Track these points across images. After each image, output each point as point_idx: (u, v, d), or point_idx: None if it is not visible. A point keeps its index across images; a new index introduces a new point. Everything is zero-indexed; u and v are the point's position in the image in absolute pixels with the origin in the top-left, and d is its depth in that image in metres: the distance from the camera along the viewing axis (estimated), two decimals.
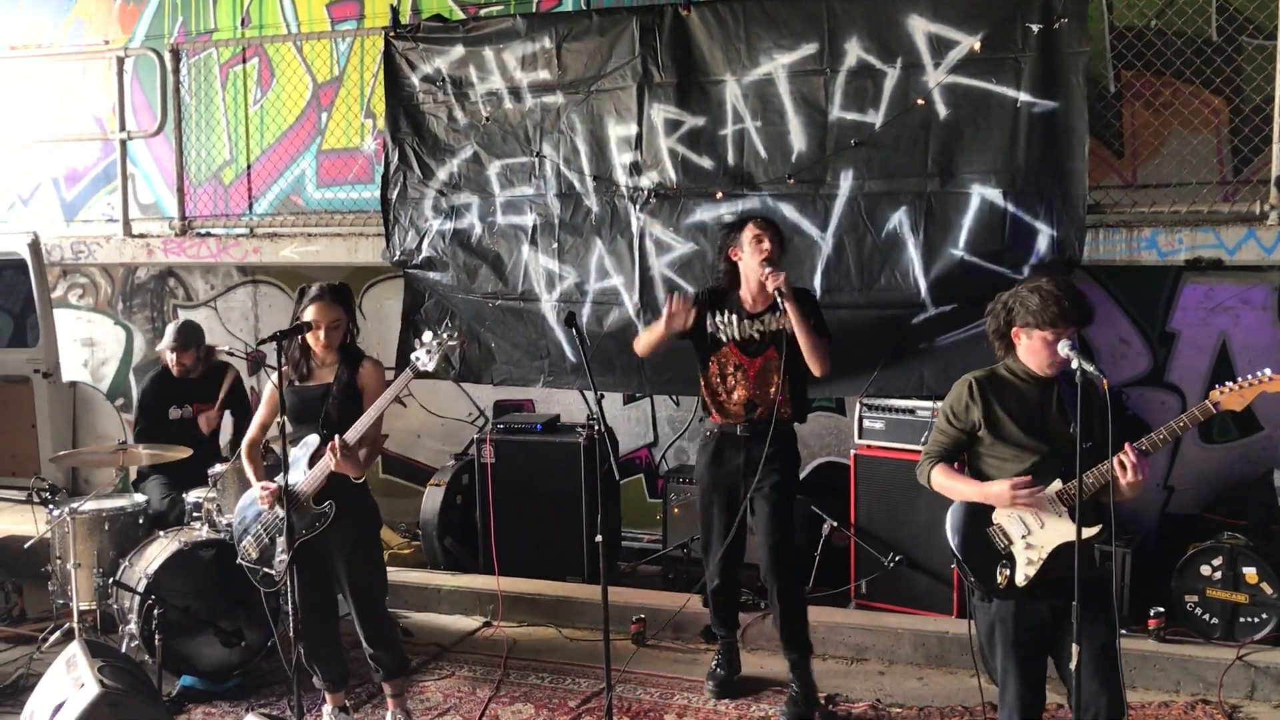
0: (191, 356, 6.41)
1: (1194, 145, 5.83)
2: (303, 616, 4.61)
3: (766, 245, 4.87)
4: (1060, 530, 3.62)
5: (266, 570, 4.73)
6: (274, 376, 4.48)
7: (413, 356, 4.49)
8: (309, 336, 4.63)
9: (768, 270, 4.79)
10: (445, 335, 4.48)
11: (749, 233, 4.91)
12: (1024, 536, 3.68)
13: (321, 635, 4.76)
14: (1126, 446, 3.50)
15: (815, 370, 4.90)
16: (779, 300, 4.75)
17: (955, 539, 3.84)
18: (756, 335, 4.95)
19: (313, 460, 4.57)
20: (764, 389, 4.93)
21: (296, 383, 4.71)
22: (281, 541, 4.57)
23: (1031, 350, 3.66)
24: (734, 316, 4.98)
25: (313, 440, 4.57)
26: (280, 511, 4.51)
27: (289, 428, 4.50)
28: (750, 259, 4.89)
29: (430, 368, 4.48)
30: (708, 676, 5.32)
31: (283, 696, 5.21)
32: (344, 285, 4.80)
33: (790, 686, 5.04)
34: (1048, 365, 3.64)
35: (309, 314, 4.61)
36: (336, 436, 4.44)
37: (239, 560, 4.84)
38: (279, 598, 4.87)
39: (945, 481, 3.83)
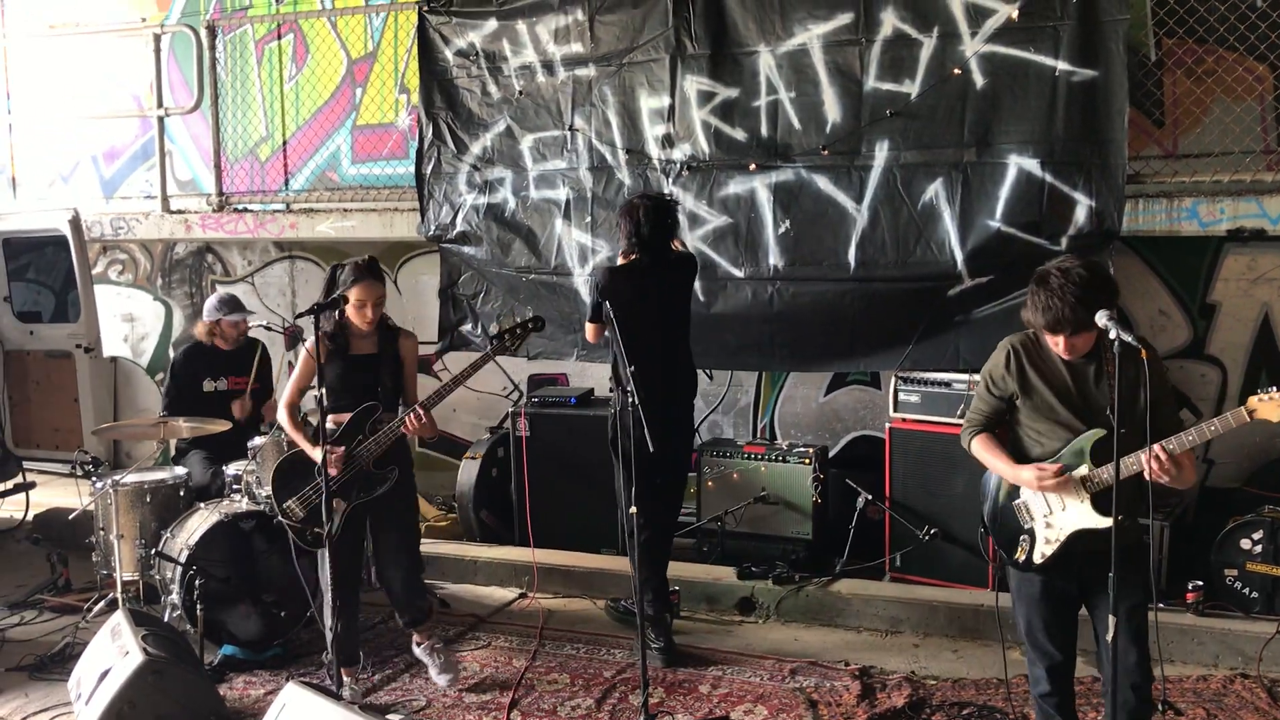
0: (244, 322, 6.49)
1: (1237, 114, 5.73)
2: (345, 589, 4.78)
3: None
4: (1078, 516, 3.56)
5: (317, 529, 4.77)
6: (309, 343, 4.65)
7: (492, 340, 4.86)
8: (353, 314, 4.74)
9: None
10: (508, 320, 4.77)
11: None
12: (1045, 516, 3.65)
13: (355, 607, 4.98)
14: (1157, 446, 3.37)
15: None
16: None
17: (985, 505, 3.87)
18: None
19: (372, 428, 4.75)
20: None
21: (336, 354, 4.80)
22: (335, 503, 4.73)
23: (1047, 341, 3.61)
24: None
25: (369, 408, 4.77)
26: (334, 474, 4.69)
27: (327, 397, 4.71)
28: None
29: (514, 350, 4.93)
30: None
31: (322, 666, 5.27)
32: (374, 259, 4.89)
33: None
34: (1065, 353, 3.55)
35: (354, 294, 4.71)
36: (417, 405, 4.69)
37: (283, 520, 4.88)
38: (317, 571, 4.98)
39: (983, 454, 3.80)
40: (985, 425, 3.81)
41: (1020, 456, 3.73)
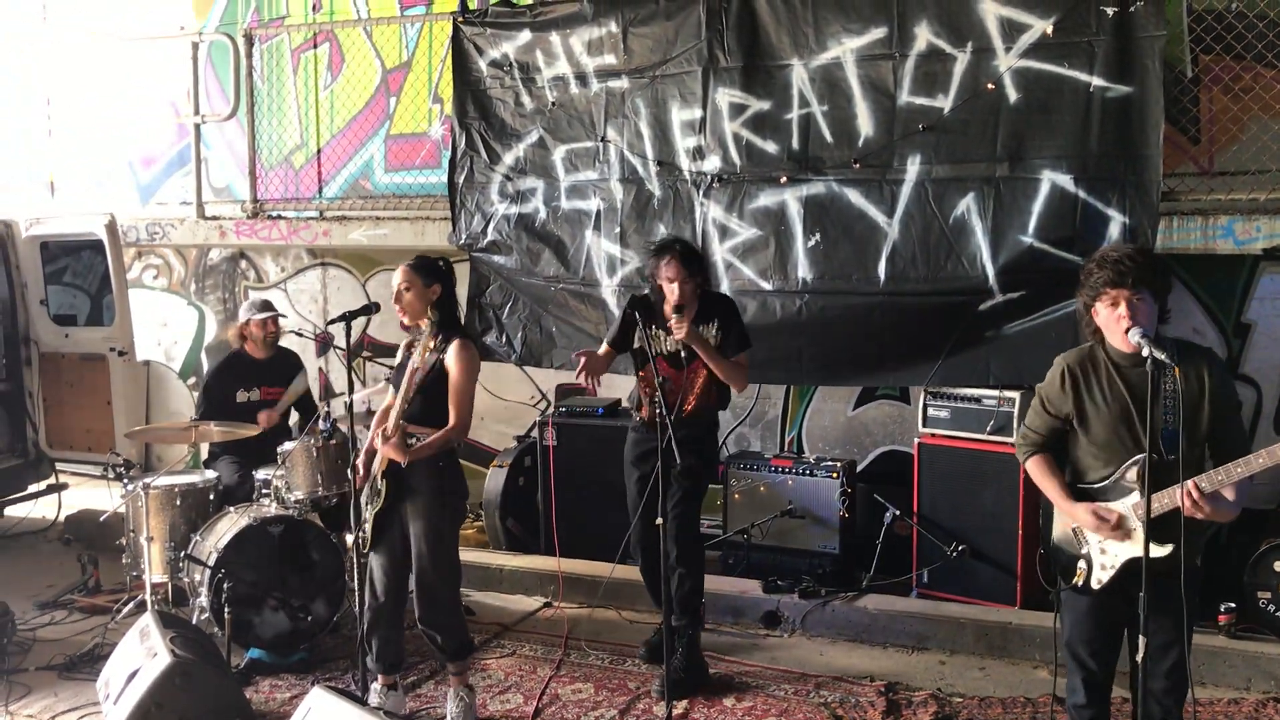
0: (275, 324, 6.53)
1: (1275, 131, 5.67)
2: (372, 591, 4.73)
3: (676, 292, 4.94)
4: (1132, 544, 3.52)
5: (362, 533, 4.82)
6: (416, 363, 4.54)
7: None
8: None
9: (673, 319, 4.89)
10: None
11: (663, 270, 5.00)
12: (1099, 542, 3.61)
13: (387, 614, 4.80)
14: (1191, 484, 3.34)
15: (735, 389, 5.22)
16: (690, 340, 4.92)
17: (1045, 527, 3.82)
18: (683, 350, 5.00)
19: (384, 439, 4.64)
20: (686, 397, 5.07)
21: (404, 355, 4.82)
22: (365, 510, 4.71)
23: (1104, 325, 3.51)
24: (662, 332, 5.06)
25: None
26: (376, 481, 4.67)
27: (394, 399, 4.70)
28: (665, 294, 5.01)
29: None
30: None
31: (347, 671, 5.30)
32: (435, 260, 4.79)
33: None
34: (1122, 334, 3.43)
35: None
36: (389, 424, 4.53)
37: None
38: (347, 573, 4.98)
39: (1039, 478, 3.75)
40: (1042, 444, 3.75)
41: (1077, 475, 3.70)
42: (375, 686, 4.90)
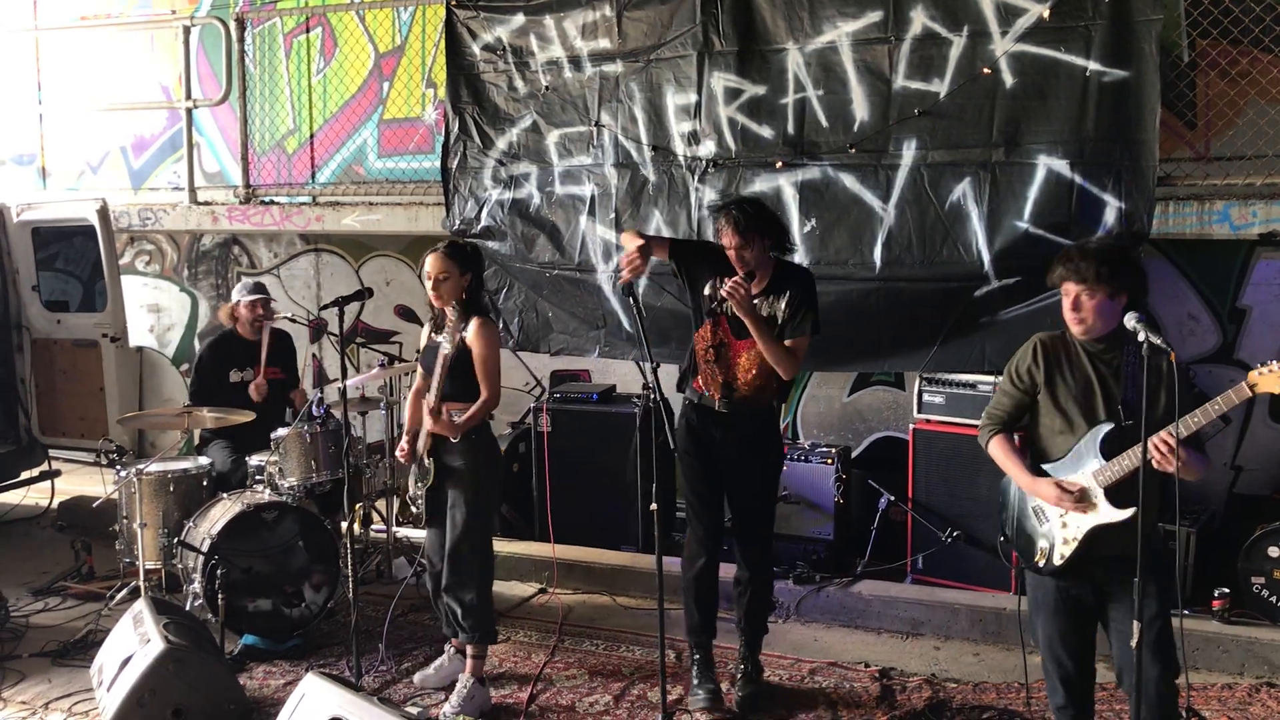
0: (265, 307, 6.53)
1: (1271, 115, 5.65)
2: (431, 562, 4.95)
3: (733, 251, 4.47)
4: (1094, 512, 3.56)
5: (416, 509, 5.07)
6: (445, 345, 4.57)
7: None
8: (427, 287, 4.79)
9: (726, 284, 4.40)
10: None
11: (720, 236, 4.56)
12: (1061, 515, 3.64)
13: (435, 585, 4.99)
14: (1161, 433, 3.37)
15: (783, 375, 4.66)
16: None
17: (1002, 511, 3.87)
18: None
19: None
20: (744, 373, 4.68)
21: (433, 336, 4.87)
22: (415, 489, 4.94)
23: (1064, 314, 3.62)
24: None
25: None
26: (424, 461, 4.82)
27: (421, 379, 4.89)
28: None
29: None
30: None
31: (342, 657, 5.30)
32: (465, 246, 4.94)
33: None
34: (1073, 324, 3.58)
35: (424, 267, 4.79)
36: (432, 404, 4.65)
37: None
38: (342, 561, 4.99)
39: (1001, 457, 3.80)
40: (1005, 424, 3.81)
41: (1038, 453, 3.74)
42: (447, 647, 5.12)
